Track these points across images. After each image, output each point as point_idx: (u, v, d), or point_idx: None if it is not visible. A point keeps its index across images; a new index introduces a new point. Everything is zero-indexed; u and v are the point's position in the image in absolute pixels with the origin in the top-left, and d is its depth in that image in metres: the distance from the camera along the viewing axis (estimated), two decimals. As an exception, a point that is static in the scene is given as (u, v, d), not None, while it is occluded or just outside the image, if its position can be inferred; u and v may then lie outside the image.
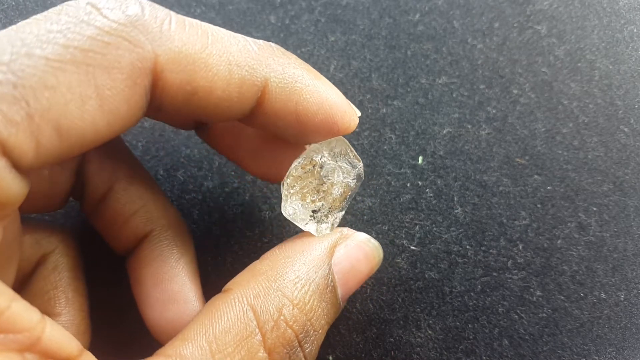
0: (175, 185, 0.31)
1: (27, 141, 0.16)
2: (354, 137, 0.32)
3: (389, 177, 0.31)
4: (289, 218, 0.23)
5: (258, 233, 0.30)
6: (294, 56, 0.22)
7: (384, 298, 0.29)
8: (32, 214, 0.28)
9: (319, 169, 0.23)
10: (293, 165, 0.23)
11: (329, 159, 0.23)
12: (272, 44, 0.21)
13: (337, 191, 0.23)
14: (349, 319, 0.28)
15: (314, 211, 0.23)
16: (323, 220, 0.23)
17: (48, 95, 0.16)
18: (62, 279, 0.24)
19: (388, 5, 0.35)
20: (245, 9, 0.35)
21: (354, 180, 0.23)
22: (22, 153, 0.16)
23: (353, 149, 0.23)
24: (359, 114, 0.23)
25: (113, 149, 0.26)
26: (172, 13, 0.19)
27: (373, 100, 0.33)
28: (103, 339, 0.25)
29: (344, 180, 0.23)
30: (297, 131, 0.22)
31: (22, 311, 0.17)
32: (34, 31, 0.16)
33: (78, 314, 0.24)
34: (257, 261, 0.22)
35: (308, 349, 0.20)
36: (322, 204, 0.23)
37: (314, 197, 0.23)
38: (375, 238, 0.25)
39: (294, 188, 0.22)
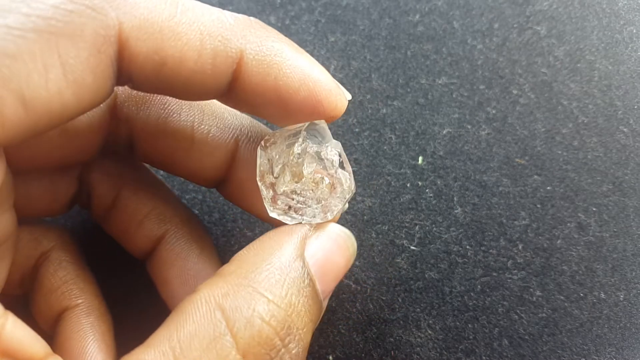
0: (175, 185, 0.31)
1: None
2: (354, 138, 0.32)
3: (389, 177, 0.31)
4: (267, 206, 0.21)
5: (258, 233, 0.30)
6: (275, 30, 0.20)
7: (384, 298, 0.29)
8: (32, 217, 0.28)
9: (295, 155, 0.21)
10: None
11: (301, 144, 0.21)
12: (252, 18, 0.20)
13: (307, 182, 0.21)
14: (349, 319, 0.29)
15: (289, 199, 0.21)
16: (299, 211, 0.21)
17: (9, 64, 0.15)
18: (69, 272, 0.24)
19: (388, 6, 0.35)
20: (245, 9, 0.35)
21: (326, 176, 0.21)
22: None
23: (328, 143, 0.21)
24: (349, 97, 0.22)
25: (116, 154, 0.25)
26: None
27: (373, 100, 0.33)
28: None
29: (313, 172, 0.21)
30: (279, 110, 0.20)
31: None
32: None
33: (95, 299, 0.24)
34: (226, 264, 0.20)
35: (294, 350, 0.18)
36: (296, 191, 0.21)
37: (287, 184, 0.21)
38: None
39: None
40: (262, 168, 0.21)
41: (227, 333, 0.17)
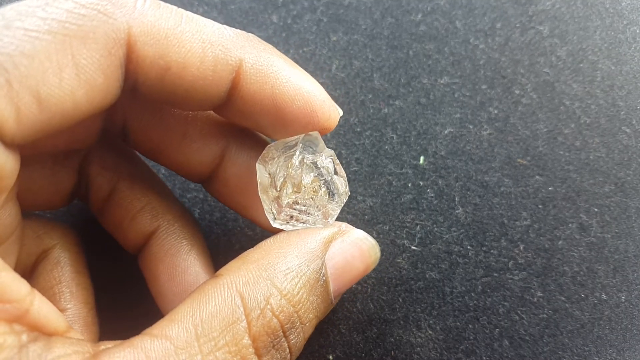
0: (176, 184, 0.31)
1: (7, 107, 0.16)
2: (355, 137, 0.32)
3: (390, 177, 0.31)
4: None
5: (259, 232, 0.30)
6: (271, 46, 0.22)
7: (384, 298, 0.29)
8: (35, 212, 0.28)
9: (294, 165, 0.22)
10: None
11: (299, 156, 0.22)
12: (250, 34, 0.21)
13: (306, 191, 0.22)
14: (349, 319, 0.29)
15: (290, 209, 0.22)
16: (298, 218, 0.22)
17: (26, 63, 0.16)
18: (64, 273, 0.24)
19: (390, 5, 0.35)
20: (247, 8, 0.35)
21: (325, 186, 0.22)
22: (3, 121, 0.16)
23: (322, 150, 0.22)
24: (340, 112, 0.23)
25: (115, 148, 0.26)
26: None
27: (375, 100, 0.33)
28: (111, 332, 0.26)
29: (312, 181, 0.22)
30: (275, 120, 0.21)
31: (11, 282, 0.17)
32: (15, 7, 0.17)
33: (84, 307, 0.24)
34: (251, 249, 0.21)
35: (293, 340, 0.20)
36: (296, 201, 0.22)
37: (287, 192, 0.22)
38: (376, 238, 0.24)
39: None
40: (262, 182, 0.22)
41: (244, 320, 0.18)
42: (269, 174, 0.22)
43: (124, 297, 0.28)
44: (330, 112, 0.22)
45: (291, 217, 0.22)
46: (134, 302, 0.28)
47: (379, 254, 0.24)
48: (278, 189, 0.22)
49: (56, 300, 0.24)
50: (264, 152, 0.22)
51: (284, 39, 0.34)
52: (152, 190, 0.26)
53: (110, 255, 0.28)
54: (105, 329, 0.25)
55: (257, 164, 0.22)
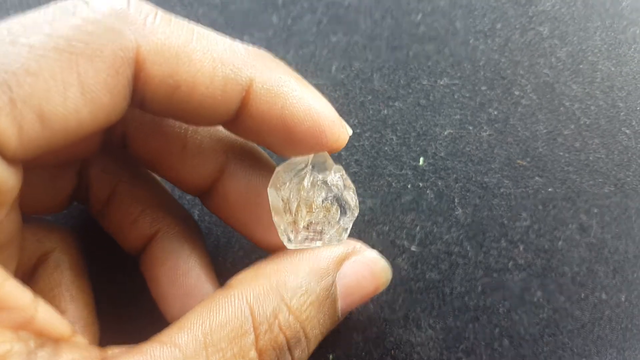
0: (177, 185, 0.31)
1: (10, 126, 0.16)
2: (355, 138, 0.32)
3: (389, 178, 0.31)
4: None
5: (259, 233, 0.30)
6: (283, 64, 0.21)
7: (384, 298, 0.29)
8: (34, 215, 0.28)
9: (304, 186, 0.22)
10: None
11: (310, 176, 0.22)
12: (262, 50, 0.21)
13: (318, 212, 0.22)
14: (349, 319, 0.29)
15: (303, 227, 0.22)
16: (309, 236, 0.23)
17: (30, 81, 0.16)
18: (64, 276, 0.24)
19: (390, 6, 0.35)
20: (247, 9, 0.35)
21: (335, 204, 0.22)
22: (6, 139, 0.16)
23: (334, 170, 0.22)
24: (350, 132, 0.23)
25: (115, 151, 0.26)
26: (159, 10, 0.19)
27: (374, 101, 0.33)
28: (112, 335, 0.26)
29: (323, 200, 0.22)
30: (283, 139, 0.21)
31: (14, 290, 0.17)
32: (22, 21, 0.17)
33: (84, 309, 0.24)
34: (264, 261, 0.21)
35: (298, 355, 0.20)
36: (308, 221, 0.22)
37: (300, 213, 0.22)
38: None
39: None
40: (275, 207, 0.22)
41: (252, 332, 0.19)
42: (282, 199, 0.22)
43: (125, 299, 0.28)
44: (340, 133, 0.22)
45: (306, 238, 0.22)
46: (135, 305, 0.28)
47: (390, 276, 0.24)
48: (293, 214, 0.22)
49: (56, 303, 0.24)
50: (273, 176, 0.22)
51: (284, 40, 0.34)
52: (153, 192, 0.26)
53: (110, 258, 0.28)
54: (106, 331, 0.25)
55: (268, 190, 0.22)
